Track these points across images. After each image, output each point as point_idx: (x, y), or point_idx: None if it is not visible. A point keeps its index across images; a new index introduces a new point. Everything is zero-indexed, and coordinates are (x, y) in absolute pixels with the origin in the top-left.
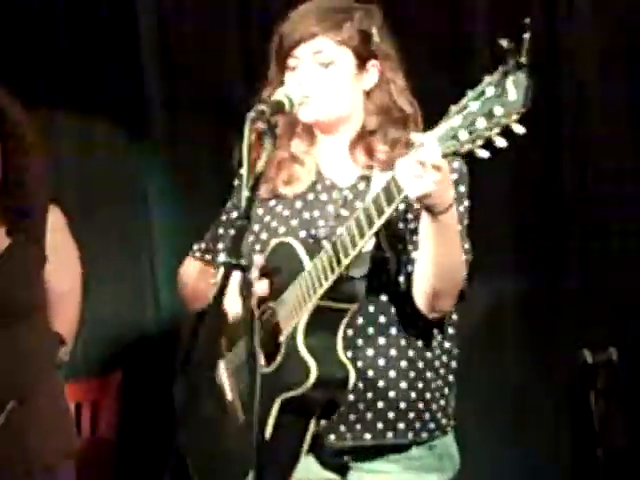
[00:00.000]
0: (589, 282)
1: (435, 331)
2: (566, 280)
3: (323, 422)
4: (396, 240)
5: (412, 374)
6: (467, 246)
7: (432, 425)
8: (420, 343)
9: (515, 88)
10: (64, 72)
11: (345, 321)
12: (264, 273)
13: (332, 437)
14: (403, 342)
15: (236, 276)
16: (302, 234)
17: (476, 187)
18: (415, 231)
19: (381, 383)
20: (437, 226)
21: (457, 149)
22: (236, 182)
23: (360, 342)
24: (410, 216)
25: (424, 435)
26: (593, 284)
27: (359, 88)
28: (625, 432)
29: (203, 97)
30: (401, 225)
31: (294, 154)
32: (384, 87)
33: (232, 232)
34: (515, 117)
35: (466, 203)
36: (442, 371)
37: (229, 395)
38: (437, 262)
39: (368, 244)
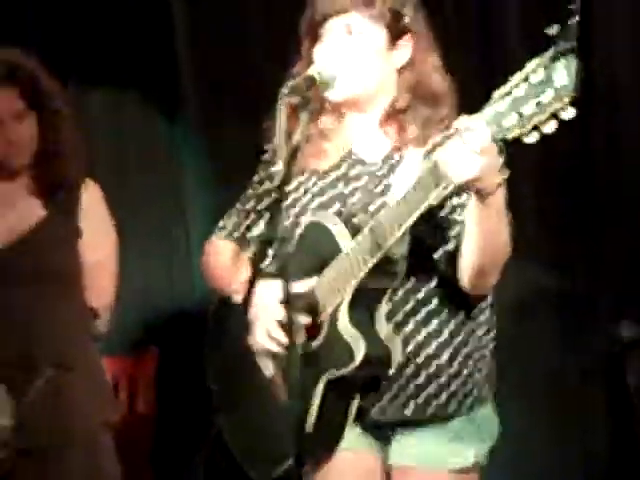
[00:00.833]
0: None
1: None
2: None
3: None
4: (433, 219)
5: (452, 347)
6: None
7: (473, 397)
8: (461, 315)
9: (566, 72)
10: (98, 47)
11: (386, 298)
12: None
13: (374, 411)
14: (443, 316)
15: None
16: (333, 209)
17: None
18: (454, 210)
19: (421, 357)
20: (485, 207)
21: (505, 135)
22: (265, 157)
23: (400, 317)
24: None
25: (464, 407)
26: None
27: (390, 66)
28: None
29: (234, 72)
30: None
31: (322, 130)
32: (416, 66)
33: (265, 205)
34: (566, 101)
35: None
36: (483, 341)
37: (269, 372)
38: (484, 241)
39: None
